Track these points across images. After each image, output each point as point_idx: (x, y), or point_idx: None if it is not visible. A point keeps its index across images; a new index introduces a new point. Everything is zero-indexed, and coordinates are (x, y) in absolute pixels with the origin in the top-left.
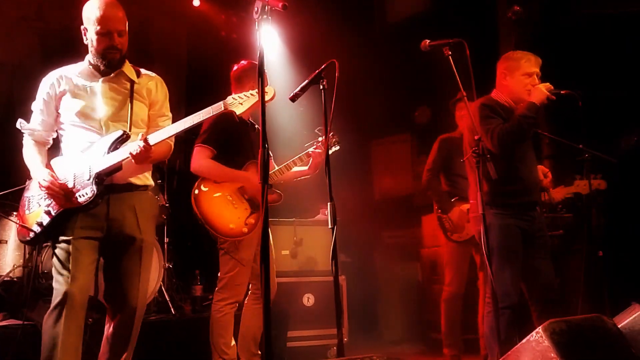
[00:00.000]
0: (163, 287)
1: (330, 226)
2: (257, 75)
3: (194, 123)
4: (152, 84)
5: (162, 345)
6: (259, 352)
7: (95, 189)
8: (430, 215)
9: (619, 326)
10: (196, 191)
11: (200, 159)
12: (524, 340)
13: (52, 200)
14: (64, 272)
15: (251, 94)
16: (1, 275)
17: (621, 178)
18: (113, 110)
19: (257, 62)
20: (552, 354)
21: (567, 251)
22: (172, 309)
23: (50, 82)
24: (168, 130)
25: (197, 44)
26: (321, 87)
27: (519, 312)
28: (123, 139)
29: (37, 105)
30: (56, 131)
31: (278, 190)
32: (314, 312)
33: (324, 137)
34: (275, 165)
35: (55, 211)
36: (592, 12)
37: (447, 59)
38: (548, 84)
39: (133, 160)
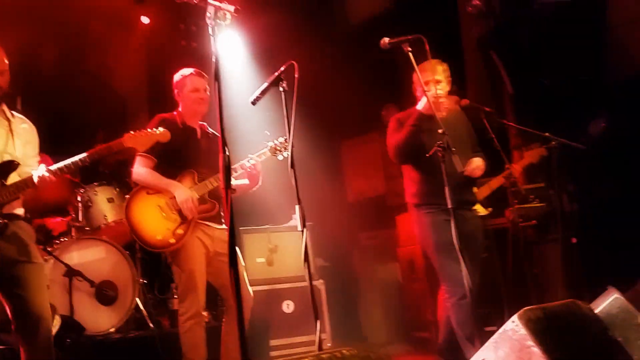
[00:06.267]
0: (140, 302)
1: (299, 229)
2: (214, 80)
3: (84, 156)
4: (25, 125)
5: None
6: None
7: None
8: (404, 214)
9: (596, 311)
10: (128, 201)
11: (138, 167)
12: (500, 330)
13: None
14: None
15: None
16: None
17: (590, 164)
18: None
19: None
20: (529, 342)
21: (543, 240)
22: (150, 324)
23: None
24: (67, 160)
25: (156, 56)
26: (281, 89)
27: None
28: (14, 167)
29: None
30: None
31: (212, 200)
32: (294, 319)
33: (272, 141)
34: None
35: None
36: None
37: (408, 56)
38: None
39: (39, 185)
